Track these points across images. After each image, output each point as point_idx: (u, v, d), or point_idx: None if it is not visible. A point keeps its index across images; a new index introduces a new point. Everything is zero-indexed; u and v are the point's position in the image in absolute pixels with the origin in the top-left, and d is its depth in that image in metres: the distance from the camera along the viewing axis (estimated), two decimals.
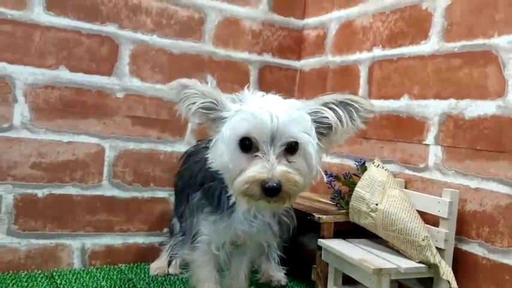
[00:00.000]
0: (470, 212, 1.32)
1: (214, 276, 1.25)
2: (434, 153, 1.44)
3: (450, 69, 1.40)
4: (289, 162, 1.03)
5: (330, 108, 1.07)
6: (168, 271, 1.63)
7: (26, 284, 1.47)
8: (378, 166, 1.45)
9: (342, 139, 1.09)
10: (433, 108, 1.45)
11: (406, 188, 1.50)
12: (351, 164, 1.66)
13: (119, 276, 1.60)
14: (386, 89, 1.61)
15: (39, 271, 1.56)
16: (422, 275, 1.30)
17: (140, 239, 1.73)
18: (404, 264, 1.28)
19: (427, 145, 1.46)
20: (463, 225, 1.33)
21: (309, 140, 1.03)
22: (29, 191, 1.54)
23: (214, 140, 1.09)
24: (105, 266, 1.67)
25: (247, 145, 1.03)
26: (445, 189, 1.35)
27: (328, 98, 1.08)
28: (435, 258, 1.26)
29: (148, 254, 1.73)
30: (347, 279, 1.43)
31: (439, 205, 1.33)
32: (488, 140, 1.29)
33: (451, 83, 1.41)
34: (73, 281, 1.53)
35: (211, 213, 1.21)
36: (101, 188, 1.65)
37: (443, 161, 1.41)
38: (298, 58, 1.98)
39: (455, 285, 1.24)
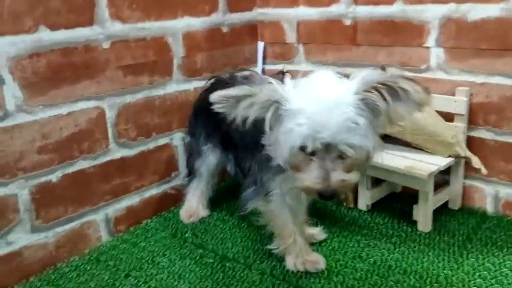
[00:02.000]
0: (477, 104, 1.53)
1: (292, 221, 1.31)
2: (436, 54, 1.57)
3: None
4: (345, 161, 1.01)
5: (380, 93, 0.98)
6: (200, 215, 1.63)
7: (70, 274, 1.36)
8: None
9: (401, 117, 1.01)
10: (431, 13, 1.55)
11: None
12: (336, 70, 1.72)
13: (151, 232, 1.56)
14: None
15: (75, 257, 1.44)
16: (453, 167, 1.53)
17: (154, 191, 1.67)
18: (440, 161, 1.48)
19: (428, 48, 1.58)
20: (471, 116, 1.54)
21: (365, 142, 0.99)
22: (43, 179, 1.35)
23: (271, 128, 1.04)
24: (132, 228, 1.60)
25: (304, 147, 1.00)
26: (458, 88, 1.52)
27: (377, 78, 0.99)
28: (465, 152, 1.48)
29: (163, 202, 1.70)
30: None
31: (456, 104, 1.51)
32: (493, 40, 1.46)
33: None
34: (109, 252, 1.46)
35: (279, 173, 1.21)
36: (109, 153, 1.50)
37: (446, 61, 1.56)
38: None
39: (484, 169, 1.48)
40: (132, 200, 1.60)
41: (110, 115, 1.49)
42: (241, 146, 1.35)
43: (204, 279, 1.31)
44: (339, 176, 1.00)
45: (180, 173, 1.73)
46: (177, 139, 1.71)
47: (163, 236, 1.54)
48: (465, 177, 1.59)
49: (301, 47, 1.87)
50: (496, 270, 1.28)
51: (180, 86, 1.68)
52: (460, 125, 1.52)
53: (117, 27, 1.45)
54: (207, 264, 1.38)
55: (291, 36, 1.89)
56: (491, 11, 1.44)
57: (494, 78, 1.48)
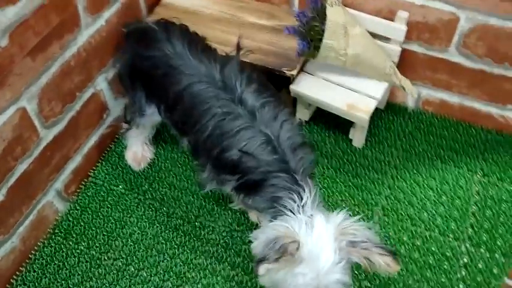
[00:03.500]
0: (414, 22, 1.51)
1: None
2: None
3: None
4: None
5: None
6: (148, 158, 1.64)
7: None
8: (332, 5, 1.44)
9: None
10: None
11: (344, 4, 1.54)
12: None
13: (105, 189, 1.60)
14: None
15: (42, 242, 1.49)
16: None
17: (92, 141, 1.60)
18: (377, 91, 1.54)
19: None
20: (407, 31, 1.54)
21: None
22: None
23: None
24: (83, 188, 1.60)
25: None
26: (399, 13, 1.47)
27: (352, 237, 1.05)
28: (400, 81, 1.54)
29: (102, 144, 1.66)
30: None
31: (394, 31, 1.50)
32: None
33: None
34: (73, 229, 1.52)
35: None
36: (41, 141, 1.38)
37: None
38: None
39: (415, 94, 1.59)
40: (75, 163, 1.55)
41: (32, 108, 1.30)
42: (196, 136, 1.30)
43: (182, 247, 1.45)
44: None
45: (110, 110, 1.63)
46: (101, 82, 1.55)
47: (121, 192, 1.58)
48: None
49: None
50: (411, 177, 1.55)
51: (90, 29, 1.43)
52: (395, 48, 1.53)
53: None
54: (179, 228, 1.50)
55: None
56: None
57: (434, 2, 1.45)
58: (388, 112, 1.74)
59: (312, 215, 1.09)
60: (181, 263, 1.43)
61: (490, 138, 1.67)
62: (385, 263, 1.01)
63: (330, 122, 1.69)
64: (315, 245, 1.04)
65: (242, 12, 1.65)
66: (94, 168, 1.63)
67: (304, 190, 1.12)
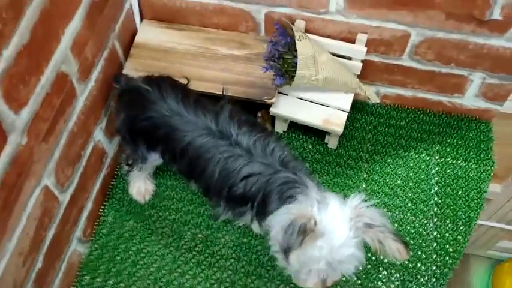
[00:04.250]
0: (371, 39, 1.70)
1: None
2: (336, 1, 1.61)
3: None
4: None
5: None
6: (151, 190, 1.81)
7: None
8: (300, 39, 1.60)
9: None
10: None
11: (306, 30, 1.70)
12: (229, 4, 1.68)
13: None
14: None
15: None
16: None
17: (97, 186, 1.75)
18: (346, 103, 1.75)
19: None
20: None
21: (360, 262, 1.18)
22: None
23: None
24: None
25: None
26: (359, 36, 1.66)
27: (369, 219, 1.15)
28: (365, 93, 1.75)
29: (105, 184, 1.80)
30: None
31: (355, 52, 1.69)
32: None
33: None
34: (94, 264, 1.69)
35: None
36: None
37: (345, 9, 1.62)
38: None
39: (378, 100, 1.81)
40: (87, 210, 1.70)
41: (51, 182, 1.43)
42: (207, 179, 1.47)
43: (200, 266, 1.67)
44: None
45: (108, 153, 1.77)
46: (98, 134, 1.67)
47: (134, 226, 1.75)
48: None
49: None
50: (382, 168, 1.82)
51: (84, 94, 1.54)
52: (357, 64, 1.73)
53: None
54: (194, 249, 1.70)
55: None
56: None
57: (388, 24, 1.64)
58: (353, 110, 1.96)
59: (324, 196, 1.19)
60: (202, 281, 1.65)
61: (441, 122, 1.94)
62: (397, 250, 1.11)
63: (305, 129, 1.90)
64: (330, 221, 1.12)
65: (214, 45, 1.77)
66: (102, 207, 1.78)
67: (309, 182, 1.26)
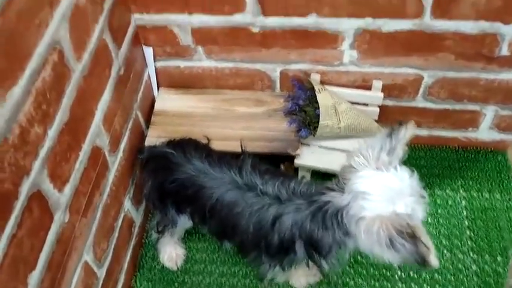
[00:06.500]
0: (383, 85, 1.76)
1: None
2: (350, 54, 1.67)
3: None
4: None
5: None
6: (182, 256, 1.79)
7: None
8: (320, 92, 1.65)
9: None
10: (347, 25, 1.56)
11: (321, 82, 1.76)
12: (244, 66, 1.74)
13: None
14: (287, 10, 1.54)
15: None
16: None
17: (128, 256, 1.73)
18: None
19: (342, 50, 1.66)
20: None
21: None
22: None
23: None
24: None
25: None
26: (374, 82, 1.71)
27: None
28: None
29: (135, 251, 1.77)
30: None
31: (373, 98, 1.74)
32: (403, 45, 1.61)
33: (368, 6, 1.51)
34: None
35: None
36: None
37: (359, 59, 1.68)
38: None
39: None
40: (120, 283, 1.66)
41: (90, 258, 1.41)
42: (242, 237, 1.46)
43: None
44: None
45: (136, 222, 1.76)
46: (127, 204, 1.67)
47: None
48: None
49: (200, 48, 1.72)
50: None
51: (115, 166, 1.55)
52: (374, 109, 1.78)
53: None
54: None
55: (185, 40, 1.69)
56: (405, 25, 1.54)
57: (400, 69, 1.70)
58: None
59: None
60: None
61: (459, 157, 1.98)
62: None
63: (328, 176, 1.91)
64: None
65: (231, 105, 1.81)
66: (133, 277, 1.74)
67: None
